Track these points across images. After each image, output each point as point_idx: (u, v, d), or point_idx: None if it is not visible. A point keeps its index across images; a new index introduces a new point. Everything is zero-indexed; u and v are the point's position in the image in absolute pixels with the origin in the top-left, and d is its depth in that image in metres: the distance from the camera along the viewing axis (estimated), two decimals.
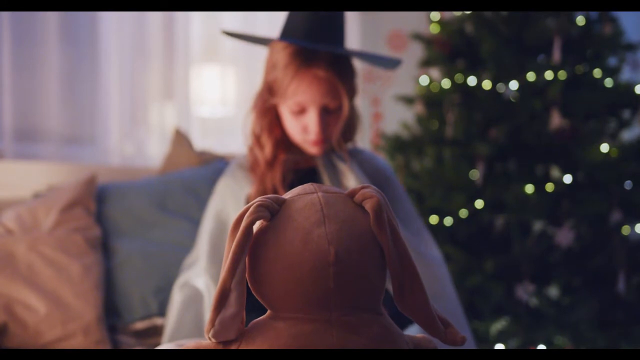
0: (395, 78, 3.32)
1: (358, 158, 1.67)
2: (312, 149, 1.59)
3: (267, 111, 1.60)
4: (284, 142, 1.62)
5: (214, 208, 1.71)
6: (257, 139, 1.63)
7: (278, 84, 1.54)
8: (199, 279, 1.67)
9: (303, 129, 1.56)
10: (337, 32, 1.54)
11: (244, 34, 1.65)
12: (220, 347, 0.87)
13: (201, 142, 2.81)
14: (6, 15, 2.44)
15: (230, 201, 1.68)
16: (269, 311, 0.88)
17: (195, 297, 1.66)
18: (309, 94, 1.52)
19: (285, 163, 1.61)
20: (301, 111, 1.55)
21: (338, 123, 1.57)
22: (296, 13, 1.53)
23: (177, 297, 1.69)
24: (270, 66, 1.57)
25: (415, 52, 3.04)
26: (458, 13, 2.67)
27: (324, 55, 1.51)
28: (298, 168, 1.63)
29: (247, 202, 1.64)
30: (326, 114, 1.55)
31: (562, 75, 2.42)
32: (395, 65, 1.67)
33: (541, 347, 2.34)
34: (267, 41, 1.61)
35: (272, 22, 2.93)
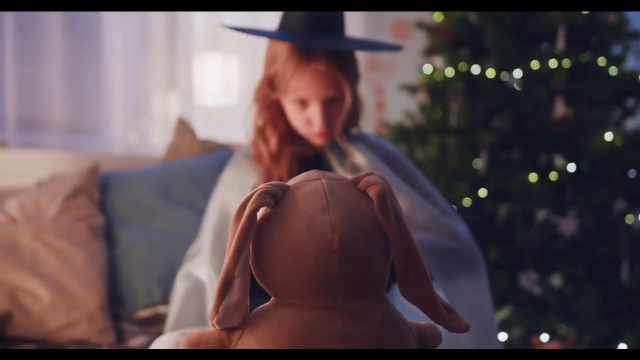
0: (398, 67, 3.31)
1: (364, 141, 1.66)
2: (317, 140, 1.58)
3: (270, 105, 1.59)
4: (288, 134, 1.60)
5: (219, 199, 1.71)
6: (261, 133, 1.61)
7: (279, 79, 1.53)
8: (202, 269, 1.66)
9: (306, 121, 1.55)
10: (337, 21, 1.52)
11: (243, 27, 1.64)
12: (224, 334, 0.87)
13: (204, 131, 2.81)
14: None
15: (235, 191, 1.67)
16: (272, 298, 0.88)
17: (198, 287, 1.66)
18: (311, 89, 1.51)
19: (291, 156, 1.60)
20: (303, 105, 1.53)
21: (341, 113, 1.56)
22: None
23: (180, 287, 1.69)
24: (270, 59, 1.55)
25: (418, 40, 3.03)
26: None
27: (321, 52, 1.50)
28: (304, 156, 1.62)
29: None
30: (329, 106, 1.54)
31: (566, 63, 2.41)
32: (396, 50, 1.65)
33: (544, 336, 2.34)
34: (268, 35, 1.60)
35: (275, 14, 2.91)
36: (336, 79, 1.51)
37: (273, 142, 1.59)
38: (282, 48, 1.51)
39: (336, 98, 1.54)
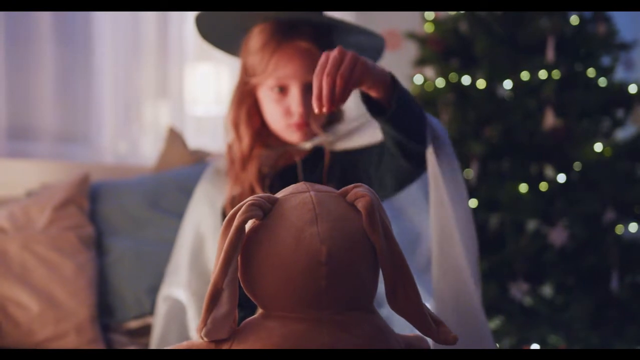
0: None
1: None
2: (294, 136, 1.51)
3: (246, 96, 1.53)
4: (262, 133, 1.54)
5: (193, 218, 1.66)
6: (237, 131, 1.55)
7: (257, 64, 1.47)
8: (180, 291, 1.63)
9: (285, 111, 1.48)
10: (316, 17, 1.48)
11: (216, 12, 1.51)
12: (212, 346, 0.87)
13: (195, 140, 2.81)
14: (0, 13, 2.43)
15: (207, 211, 1.62)
16: (261, 310, 0.88)
17: (178, 309, 1.64)
18: (291, 67, 1.45)
19: (261, 159, 1.52)
20: (282, 92, 1.47)
21: None
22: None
23: (161, 308, 1.67)
24: (247, 53, 1.50)
25: (409, 51, 3.04)
26: (452, 12, 2.67)
27: (305, 29, 1.45)
28: (277, 167, 1.56)
29: (223, 213, 1.58)
30: (309, 94, 1.45)
31: (556, 74, 2.42)
32: (379, 46, 1.56)
33: (535, 346, 2.34)
34: (238, 41, 1.52)
35: None
36: (317, 61, 1.44)
37: (246, 140, 1.53)
38: (260, 37, 1.47)
39: None
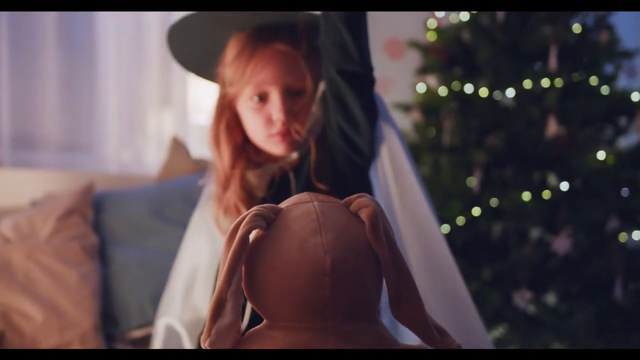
0: (392, 85, 3.32)
1: None
2: (278, 148, 1.43)
3: (225, 110, 1.46)
4: (246, 149, 1.47)
5: (190, 248, 1.62)
6: (217, 147, 1.47)
7: (234, 73, 1.41)
8: (175, 320, 1.60)
9: (266, 121, 1.40)
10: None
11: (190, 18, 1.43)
12: None
13: (198, 150, 2.81)
14: (4, 21, 2.44)
15: (204, 241, 1.57)
16: (265, 321, 0.88)
17: (173, 335, 1.61)
18: (268, 71, 1.38)
19: (252, 181, 1.44)
20: (262, 99, 1.40)
21: (305, 110, 1.40)
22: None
23: (160, 328, 1.64)
24: (224, 65, 1.44)
25: (412, 59, 3.05)
26: (455, 20, 2.68)
27: (281, 32, 1.39)
28: (271, 180, 1.47)
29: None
30: (291, 100, 1.40)
31: (559, 82, 2.43)
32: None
33: None
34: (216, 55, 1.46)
35: None
36: (297, 64, 1.39)
37: (226, 157, 1.45)
38: (235, 46, 1.42)
39: (298, 90, 1.40)
